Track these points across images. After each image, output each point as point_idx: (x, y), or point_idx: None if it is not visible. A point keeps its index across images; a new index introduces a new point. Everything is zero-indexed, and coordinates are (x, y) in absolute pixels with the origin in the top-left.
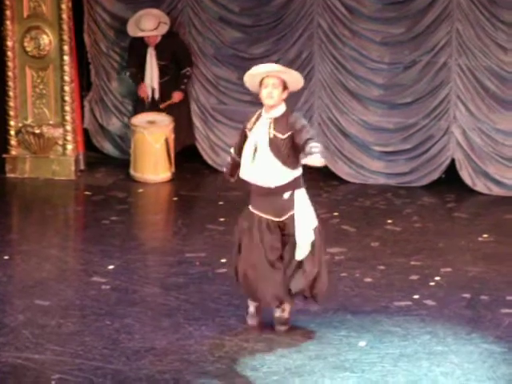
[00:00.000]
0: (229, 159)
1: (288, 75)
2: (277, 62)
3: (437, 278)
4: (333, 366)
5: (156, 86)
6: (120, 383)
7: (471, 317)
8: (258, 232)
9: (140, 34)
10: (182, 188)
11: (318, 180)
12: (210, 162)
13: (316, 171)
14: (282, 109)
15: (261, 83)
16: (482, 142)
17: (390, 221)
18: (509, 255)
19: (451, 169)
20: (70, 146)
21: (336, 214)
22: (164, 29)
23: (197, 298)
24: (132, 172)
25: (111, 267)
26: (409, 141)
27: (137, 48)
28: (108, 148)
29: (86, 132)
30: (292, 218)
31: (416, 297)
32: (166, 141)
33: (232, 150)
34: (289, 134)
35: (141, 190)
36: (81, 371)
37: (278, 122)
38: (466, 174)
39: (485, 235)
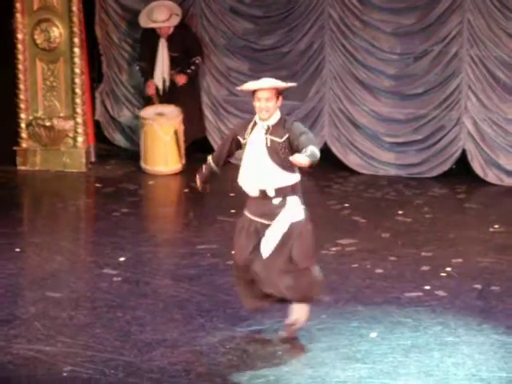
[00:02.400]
0: (204, 167)
1: (280, 86)
2: (288, 52)
3: (448, 269)
4: (344, 357)
5: (167, 76)
6: (131, 375)
7: (482, 307)
8: (246, 235)
9: (152, 25)
10: (193, 180)
11: (328, 171)
12: None
13: (327, 162)
14: (277, 116)
15: (253, 94)
16: (493, 133)
17: (400, 212)
18: None
19: (462, 159)
20: (80, 139)
21: (347, 205)
22: (176, 20)
23: (208, 289)
24: (143, 165)
25: (122, 259)
26: (420, 132)
27: (149, 39)
28: (119, 140)
29: (97, 124)
30: None
31: (427, 288)
32: (176, 132)
33: (210, 159)
34: (286, 136)
35: (151, 182)
36: (92, 363)
37: (274, 128)
38: (477, 165)
39: (496, 226)
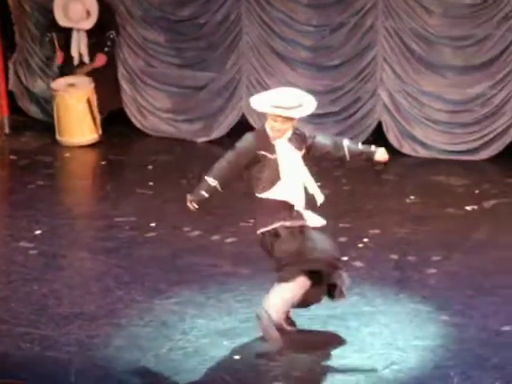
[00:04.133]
0: (204, 189)
1: (299, 110)
2: (205, 24)
3: (365, 240)
4: None
5: (84, 50)
6: (48, 348)
7: (399, 277)
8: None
9: (69, 25)
10: (110, 152)
11: None
12: (138, 125)
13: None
14: (291, 130)
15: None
16: (408, 105)
17: (318, 184)
18: (435, 216)
19: (378, 131)
20: None
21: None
22: (93, 17)
23: (126, 262)
24: (58, 137)
25: (38, 232)
26: (336, 103)
27: None
28: (34, 111)
29: (10, 95)
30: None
31: (345, 258)
32: (88, 101)
33: (214, 182)
34: (305, 147)
35: (68, 155)
36: (8, 337)
37: (292, 141)
38: (393, 137)
39: (412, 197)
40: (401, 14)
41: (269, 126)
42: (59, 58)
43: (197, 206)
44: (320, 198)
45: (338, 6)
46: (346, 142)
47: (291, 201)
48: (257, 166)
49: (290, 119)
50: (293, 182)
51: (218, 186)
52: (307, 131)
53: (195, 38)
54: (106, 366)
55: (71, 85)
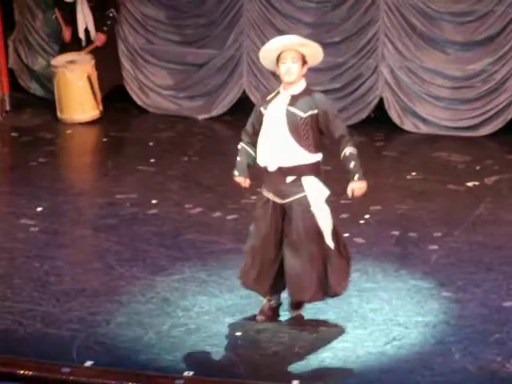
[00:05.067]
0: (244, 160)
1: (307, 48)
2: (205, 1)
3: (366, 216)
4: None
5: (91, 27)
6: (50, 325)
7: (400, 254)
8: (265, 216)
9: None
10: (112, 129)
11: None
12: (139, 102)
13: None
14: (301, 85)
15: (278, 58)
16: (409, 81)
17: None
18: (436, 192)
19: (380, 107)
20: None
21: None
22: None
23: (127, 239)
24: (59, 115)
25: (40, 209)
26: (338, 80)
27: None
28: (34, 88)
29: (11, 72)
30: (294, 203)
31: (346, 235)
32: (89, 78)
33: (246, 146)
34: (311, 113)
35: (69, 131)
36: (10, 314)
37: (297, 99)
38: (394, 113)
39: (413, 173)
40: None
41: (281, 72)
42: (67, 34)
43: (248, 181)
44: (278, 163)
45: None
46: (347, 151)
47: (260, 161)
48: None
49: (299, 59)
50: (266, 142)
51: (249, 146)
52: (324, 106)
53: (196, 15)
54: (108, 343)
55: (71, 61)
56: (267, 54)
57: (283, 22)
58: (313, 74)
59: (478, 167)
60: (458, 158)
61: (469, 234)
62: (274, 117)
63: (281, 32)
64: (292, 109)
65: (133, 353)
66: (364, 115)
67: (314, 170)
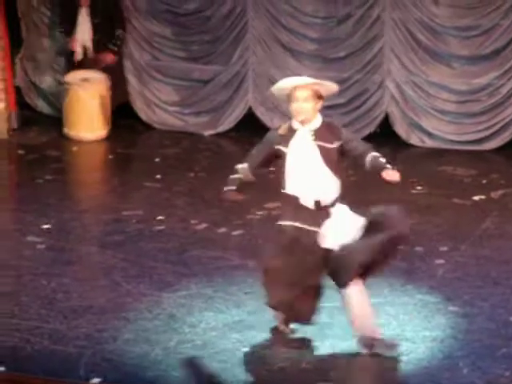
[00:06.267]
0: (236, 176)
1: (320, 86)
2: (210, 17)
3: None
4: (271, 321)
5: (89, 43)
6: (57, 342)
7: (406, 268)
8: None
9: None
10: (118, 146)
11: (253, 135)
12: (145, 118)
13: (252, 127)
14: (319, 119)
15: (290, 96)
16: (415, 95)
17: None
18: (442, 207)
19: (386, 122)
20: (1, 105)
21: (272, 168)
22: None
23: (134, 255)
24: (66, 131)
25: (46, 226)
26: (343, 95)
27: (69, 6)
28: (42, 106)
29: (18, 90)
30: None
31: None
32: (102, 97)
33: (243, 166)
34: (337, 143)
35: (75, 149)
36: (17, 331)
37: (320, 132)
38: (400, 127)
39: (418, 187)
40: (407, 5)
41: (292, 111)
42: (73, 44)
43: (236, 196)
44: (321, 198)
45: None
46: (369, 157)
47: (298, 196)
48: (279, 161)
49: (311, 97)
50: (301, 180)
51: (248, 169)
52: (344, 132)
53: (201, 32)
54: (115, 360)
55: (85, 79)
56: (279, 92)
57: (289, 38)
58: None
59: (484, 181)
60: (463, 172)
61: (475, 248)
62: (304, 154)
63: (286, 47)
64: (320, 143)
65: (140, 369)
66: (369, 130)
67: (341, 197)
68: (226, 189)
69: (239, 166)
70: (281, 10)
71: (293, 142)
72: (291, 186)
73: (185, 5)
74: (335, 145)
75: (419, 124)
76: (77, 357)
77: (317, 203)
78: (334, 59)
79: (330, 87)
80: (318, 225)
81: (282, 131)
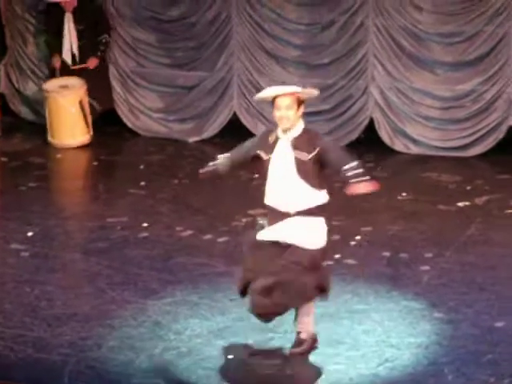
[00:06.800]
0: (216, 162)
1: (302, 93)
2: (195, 23)
3: (357, 238)
4: (256, 328)
5: (76, 50)
6: (41, 350)
7: (391, 275)
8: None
9: (54, 0)
10: (102, 152)
11: (239, 142)
12: (129, 125)
13: (237, 134)
14: (300, 126)
15: (273, 102)
16: (399, 102)
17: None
18: (427, 213)
19: (370, 128)
20: None
21: (257, 175)
22: None
23: (118, 262)
24: (50, 139)
25: (30, 234)
26: (328, 101)
27: (54, 13)
28: (25, 112)
29: (2, 96)
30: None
31: (337, 256)
32: (81, 103)
33: (224, 156)
34: (314, 153)
35: (59, 156)
36: (1, 339)
37: (299, 141)
38: (385, 134)
39: (404, 194)
40: (391, 12)
41: (276, 118)
42: (57, 61)
43: (209, 174)
44: (292, 208)
45: (328, 4)
46: (342, 171)
47: (274, 205)
48: (261, 169)
49: (293, 104)
50: (277, 186)
51: (226, 162)
52: (322, 141)
53: (186, 38)
54: (99, 368)
55: (63, 86)
56: (262, 99)
57: (273, 45)
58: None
59: (468, 187)
60: (448, 179)
61: (460, 255)
62: (281, 164)
63: (271, 54)
64: (297, 153)
65: (124, 377)
66: (354, 136)
67: (322, 210)
68: (203, 170)
69: (221, 155)
70: (265, 17)
71: (274, 153)
72: (269, 196)
73: (169, 11)
74: (311, 155)
75: (403, 130)
76: (61, 365)
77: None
78: (318, 66)
79: (310, 93)
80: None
81: (271, 138)
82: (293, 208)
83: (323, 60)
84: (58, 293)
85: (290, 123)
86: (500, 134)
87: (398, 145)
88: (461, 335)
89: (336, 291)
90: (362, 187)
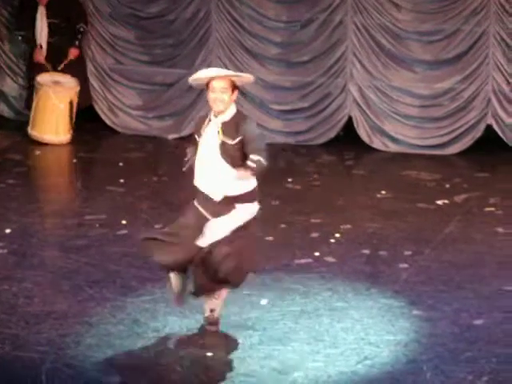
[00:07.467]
0: (189, 156)
1: (237, 78)
2: (174, 20)
3: (337, 235)
4: (235, 325)
5: (44, 45)
6: (19, 348)
7: (370, 272)
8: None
9: None
10: (81, 150)
11: None
12: (108, 122)
13: None
14: (231, 111)
15: (207, 85)
16: (377, 100)
17: (290, 179)
18: (406, 211)
19: (349, 126)
20: None
21: None
22: None
23: (97, 260)
24: (30, 130)
25: (8, 231)
26: (306, 99)
27: (27, 7)
28: (3, 109)
29: None
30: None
31: (316, 254)
32: (71, 103)
33: (190, 149)
34: (239, 139)
35: (38, 153)
36: None
37: (227, 125)
38: (363, 132)
39: (383, 192)
40: (370, 10)
41: (210, 101)
42: (40, 54)
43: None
44: (216, 195)
45: (307, 2)
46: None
47: (201, 188)
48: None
49: (228, 88)
50: (203, 169)
51: (195, 151)
52: (246, 129)
53: (164, 35)
54: (78, 365)
55: (56, 82)
56: (196, 81)
57: (252, 42)
58: (281, 92)
59: (447, 185)
60: (427, 177)
61: (439, 253)
62: (208, 147)
63: (250, 51)
64: (223, 137)
65: (103, 375)
66: (333, 134)
67: (251, 197)
68: (185, 167)
69: (189, 148)
70: (244, 15)
71: (204, 135)
72: (197, 178)
73: (148, 8)
74: (235, 141)
75: (382, 128)
76: (39, 362)
77: (219, 199)
78: (297, 63)
79: (246, 79)
80: (216, 216)
81: (206, 121)
82: (219, 193)
83: (302, 58)
84: (36, 290)
85: (223, 106)
86: (478, 133)
87: (377, 143)
88: (439, 333)
89: (315, 289)
90: (245, 175)
